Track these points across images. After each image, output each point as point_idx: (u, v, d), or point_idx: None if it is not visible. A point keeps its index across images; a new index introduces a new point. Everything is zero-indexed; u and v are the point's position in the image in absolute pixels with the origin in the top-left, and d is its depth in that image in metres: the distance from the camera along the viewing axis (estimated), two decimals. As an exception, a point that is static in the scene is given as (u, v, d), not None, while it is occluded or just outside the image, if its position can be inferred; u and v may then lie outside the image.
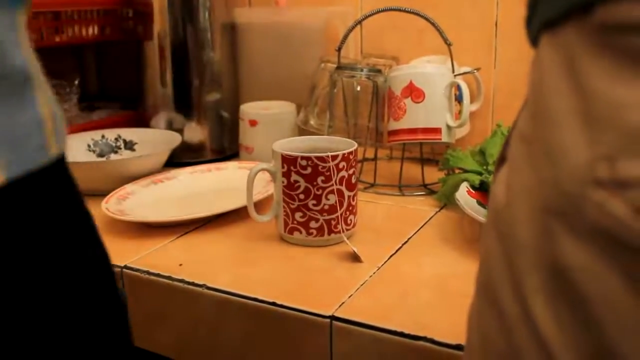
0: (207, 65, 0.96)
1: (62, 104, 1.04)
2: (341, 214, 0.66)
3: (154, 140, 0.93)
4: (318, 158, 0.64)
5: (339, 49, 0.85)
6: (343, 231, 0.66)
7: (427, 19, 0.80)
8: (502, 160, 0.33)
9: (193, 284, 0.59)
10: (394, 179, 0.85)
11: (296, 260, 0.64)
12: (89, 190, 0.84)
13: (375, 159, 0.92)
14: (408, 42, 1.00)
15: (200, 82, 0.96)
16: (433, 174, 0.84)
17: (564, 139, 0.25)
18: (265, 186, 0.77)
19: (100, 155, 0.94)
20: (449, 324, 0.50)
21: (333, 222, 0.65)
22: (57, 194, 0.32)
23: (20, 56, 0.29)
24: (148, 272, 0.62)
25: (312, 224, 0.65)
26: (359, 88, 0.89)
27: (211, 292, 0.58)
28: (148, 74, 0.97)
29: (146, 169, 0.84)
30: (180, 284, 0.60)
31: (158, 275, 0.61)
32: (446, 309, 0.53)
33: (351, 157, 0.66)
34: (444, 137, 0.80)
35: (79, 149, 0.92)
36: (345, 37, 0.85)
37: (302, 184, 0.64)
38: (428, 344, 0.48)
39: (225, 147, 1.00)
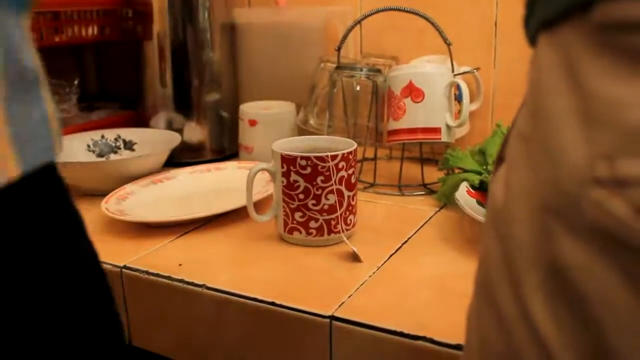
0: (206, 65, 0.96)
1: (62, 104, 1.04)
2: (341, 214, 0.66)
3: (153, 140, 0.93)
4: (317, 158, 0.64)
5: (339, 49, 0.85)
6: (343, 231, 0.66)
7: (426, 19, 0.80)
8: (500, 159, 0.33)
9: (192, 284, 0.59)
10: (394, 178, 0.85)
11: (296, 260, 0.63)
12: (88, 190, 0.84)
13: (374, 158, 0.92)
14: (408, 41, 1.00)
15: (199, 82, 0.96)
16: (433, 174, 0.84)
17: (562, 138, 0.25)
18: (265, 186, 0.77)
19: (100, 155, 0.94)
20: (449, 323, 0.50)
21: (333, 222, 0.65)
22: (52, 192, 0.33)
23: (29, 56, 0.30)
24: (147, 272, 0.62)
25: (312, 224, 0.65)
26: (358, 88, 0.89)
27: (211, 292, 0.58)
28: (148, 74, 0.97)
29: (146, 169, 0.84)
30: (180, 284, 0.60)
31: (157, 275, 0.61)
32: (446, 309, 0.53)
33: (351, 156, 0.66)
34: (444, 137, 0.80)
35: (78, 149, 0.92)
36: (345, 36, 0.85)
37: (302, 183, 0.64)
38: (428, 344, 0.48)
39: (225, 147, 1.00)
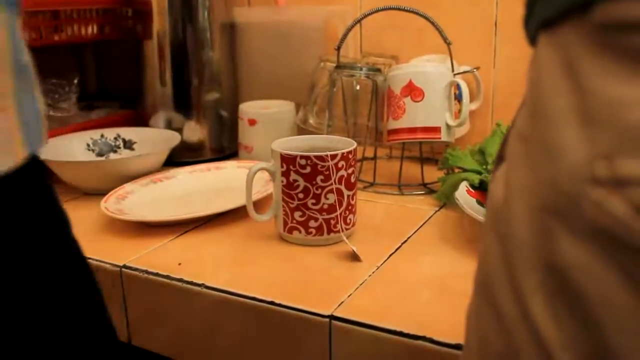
0: (206, 64, 0.96)
1: (61, 103, 1.04)
2: (340, 213, 0.66)
3: (153, 139, 0.93)
4: (317, 157, 0.64)
5: (338, 48, 0.85)
6: (342, 230, 0.66)
7: (426, 18, 0.80)
8: (500, 159, 0.33)
9: (192, 283, 0.59)
10: (394, 178, 0.85)
11: (295, 260, 0.63)
12: (88, 190, 0.84)
13: (374, 158, 0.92)
14: (407, 41, 1.00)
15: (199, 82, 0.96)
16: (432, 173, 0.84)
17: (562, 138, 0.25)
18: (265, 185, 0.77)
19: (100, 154, 0.94)
20: (449, 323, 0.50)
21: (332, 222, 0.65)
22: (38, 188, 0.34)
23: (27, 57, 0.31)
24: (147, 272, 0.62)
25: (312, 223, 0.65)
26: (358, 87, 0.89)
27: (210, 291, 0.58)
28: (147, 73, 0.97)
29: (145, 168, 0.84)
30: (179, 283, 0.59)
31: (157, 274, 0.61)
32: (446, 309, 0.53)
33: (350, 156, 0.66)
34: (444, 136, 0.80)
35: (78, 148, 0.92)
36: (345, 36, 0.85)
37: (301, 183, 0.64)
38: (427, 344, 0.48)
39: (225, 146, 1.00)
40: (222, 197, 0.79)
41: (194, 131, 0.97)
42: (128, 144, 0.96)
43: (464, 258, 0.63)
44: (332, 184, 0.64)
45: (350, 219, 0.67)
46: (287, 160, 0.64)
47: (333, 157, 0.64)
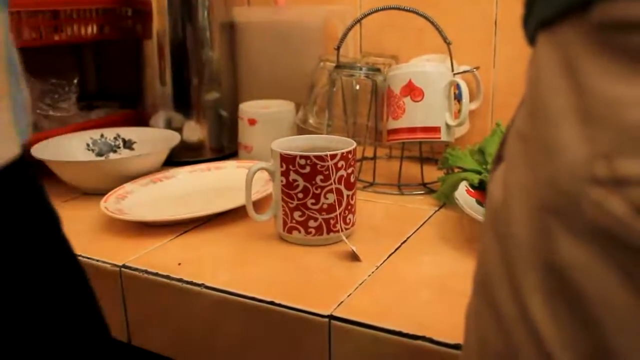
0: (206, 64, 0.96)
1: (61, 103, 1.03)
2: (340, 213, 0.65)
3: (153, 139, 0.93)
4: (317, 157, 0.64)
5: (338, 48, 0.85)
6: (342, 230, 0.66)
7: (426, 18, 0.80)
8: (499, 158, 0.33)
9: (191, 283, 0.59)
10: (393, 178, 0.85)
11: (295, 260, 0.63)
12: (87, 190, 0.84)
13: (374, 157, 0.92)
14: (407, 41, 1.00)
15: (199, 81, 0.96)
16: (432, 173, 0.84)
17: (561, 137, 0.25)
18: (264, 185, 0.76)
19: (99, 154, 0.94)
20: (448, 323, 0.50)
21: (332, 221, 0.65)
22: (26, 184, 0.35)
23: (15, 53, 0.32)
24: (147, 271, 0.62)
25: (311, 223, 0.65)
26: (358, 87, 0.89)
27: (210, 291, 0.58)
28: (147, 72, 0.97)
29: (145, 168, 0.84)
30: (179, 283, 0.59)
31: (157, 274, 0.61)
32: (445, 309, 0.53)
33: (350, 156, 0.66)
34: (443, 136, 0.80)
35: (77, 148, 0.92)
36: (345, 35, 0.85)
37: (301, 183, 0.64)
38: (427, 344, 0.48)
39: (224, 146, 1.00)
40: (222, 197, 0.79)
41: (194, 131, 0.97)
42: (128, 144, 0.96)
43: (464, 258, 0.63)
44: (331, 184, 0.64)
45: (349, 219, 0.67)
46: (287, 160, 0.64)
47: (333, 157, 0.64)
